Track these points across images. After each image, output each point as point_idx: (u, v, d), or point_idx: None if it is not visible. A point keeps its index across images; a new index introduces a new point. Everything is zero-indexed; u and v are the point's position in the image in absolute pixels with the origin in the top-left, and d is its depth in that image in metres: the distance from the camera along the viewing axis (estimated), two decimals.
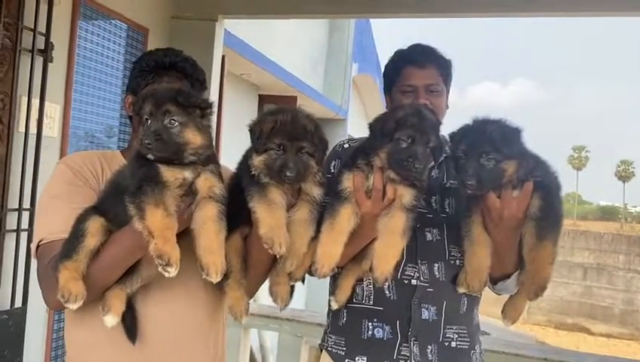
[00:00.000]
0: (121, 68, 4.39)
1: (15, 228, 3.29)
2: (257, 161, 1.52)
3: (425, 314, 1.82)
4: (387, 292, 1.83)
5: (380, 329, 1.84)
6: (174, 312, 1.67)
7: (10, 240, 3.29)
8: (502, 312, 1.84)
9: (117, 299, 1.51)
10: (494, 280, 1.82)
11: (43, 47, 3.48)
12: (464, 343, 1.85)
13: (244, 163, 1.60)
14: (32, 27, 3.39)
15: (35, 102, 3.44)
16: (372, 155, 1.61)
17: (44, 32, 3.48)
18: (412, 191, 1.60)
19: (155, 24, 4.79)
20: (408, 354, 1.80)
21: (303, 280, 1.89)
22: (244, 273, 1.71)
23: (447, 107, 2.02)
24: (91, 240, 1.43)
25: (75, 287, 1.38)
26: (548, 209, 1.61)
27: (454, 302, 1.84)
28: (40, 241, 1.57)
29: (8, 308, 3.32)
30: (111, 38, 4.32)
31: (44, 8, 3.47)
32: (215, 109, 1.53)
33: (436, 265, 1.83)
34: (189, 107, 1.43)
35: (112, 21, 4.33)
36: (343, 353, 1.89)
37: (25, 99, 3.39)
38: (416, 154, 1.54)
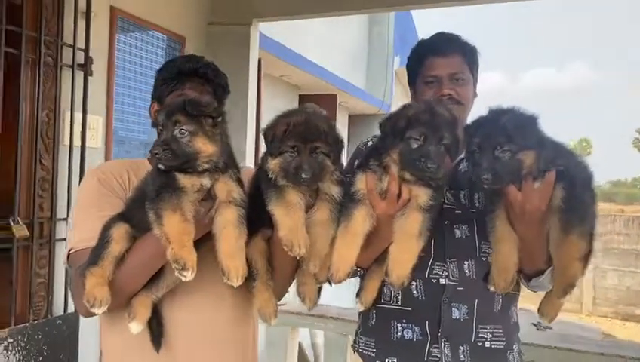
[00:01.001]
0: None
1: (64, 236, 3.43)
2: (273, 164, 1.51)
3: (455, 314, 1.76)
4: (415, 292, 1.78)
5: (410, 330, 1.79)
6: (202, 316, 1.69)
7: (60, 249, 3.43)
8: (538, 310, 1.76)
9: (142, 305, 1.54)
10: (528, 277, 1.73)
11: (83, 62, 3.61)
12: (499, 343, 1.78)
13: (262, 167, 1.59)
14: (72, 43, 3.52)
15: (78, 115, 3.58)
16: (384, 156, 1.55)
17: (82, 47, 3.61)
18: (428, 191, 1.53)
19: (192, 32, 4.89)
20: (439, 356, 1.74)
21: (330, 281, 1.88)
22: (270, 275, 1.71)
23: (476, 95, 1.95)
24: (116, 247, 1.47)
25: (100, 293, 1.42)
26: (573, 200, 1.51)
27: (487, 301, 1.77)
28: (70, 250, 1.62)
29: (62, 313, 3.48)
30: (149, 49, 4.44)
31: (81, 25, 3.61)
32: (227, 116, 1.53)
33: (466, 262, 1.76)
34: (199, 116, 1.44)
35: (150, 32, 4.44)
36: (374, 354, 1.85)
37: (68, 113, 3.53)
38: (428, 153, 1.47)
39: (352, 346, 1.99)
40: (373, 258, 1.71)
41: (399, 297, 1.81)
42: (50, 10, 3.40)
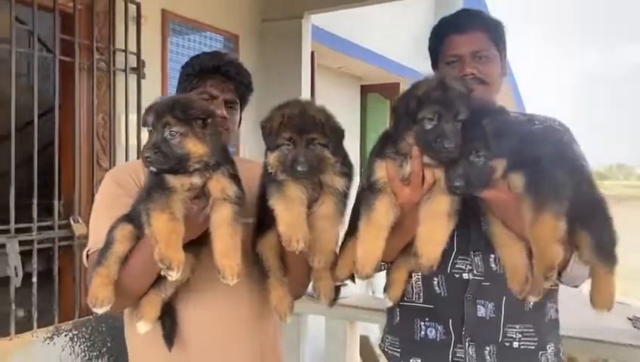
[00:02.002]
0: None
1: None
2: (271, 158, 1.47)
3: (481, 312, 1.64)
4: (437, 288, 1.68)
5: (433, 329, 1.68)
6: (216, 314, 1.68)
7: None
8: (590, 301, 1.61)
9: (150, 305, 1.55)
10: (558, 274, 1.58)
11: (135, 66, 3.75)
12: (530, 343, 1.63)
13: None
14: (123, 48, 3.67)
15: (132, 116, 3.72)
16: (400, 141, 1.46)
17: (134, 51, 3.75)
18: None
19: (245, 29, 4.95)
20: (464, 356, 1.63)
21: (353, 278, 1.81)
22: (283, 271, 1.68)
23: (504, 74, 1.80)
24: (119, 247, 1.49)
25: (103, 292, 1.44)
26: (540, 180, 1.38)
27: (515, 298, 1.63)
28: (88, 251, 1.67)
29: None
30: (202, 49, 4.50)
31: (133, 29, 3.74)
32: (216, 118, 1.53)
33: (492, 256, 1.63)
34: (189, 118, 1.42)
35: (202, 32, 4.54)
36: (398, 354, 1.76)
37: (123, 116, 3.69)
38: (444, 132, 1.37)
39: (379, 345, 1.92)
40: (398, 250, 1.62)
41: (421, 294, 1.71)
42: (101, 18, 3.56)
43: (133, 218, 1.54)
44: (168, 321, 1.61)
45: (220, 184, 1.44)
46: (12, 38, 3.05)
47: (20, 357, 3.04)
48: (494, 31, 1.77)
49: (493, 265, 1.63)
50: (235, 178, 1.48)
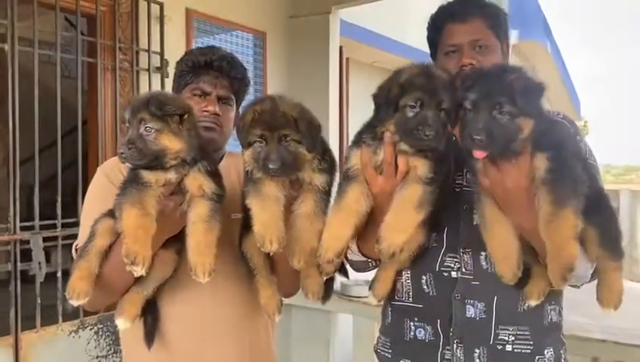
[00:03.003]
0: None
1: None
2: (246, 155, 1.44)
3: (470, 312, 1.55)
4: (425, 287, 1.60)
5: (422, 330, 1.61)
6: (201, 311, 1.67)
7: None
8: (597, 299, 1.51)
9: (130, 303, 1.55)
10: None
11: (159, 65, 3.81)
12: (525, 347, 1.53)
13: None
14: (147, 48, 3.73)
15: None
16: (379, 128, 1.41)
17: (158, 50, 3.80)
18: (426, 162, 1.37)
19: (272, 26, 4.95)
20: (451, 358, 1.55)
21: (346, 273, 1.76)
22: (270, 270, 1.65)
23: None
24: (99, 241, 1.49)
25: (80, 286, 1.44)
26: (562, 170, 1.28)
27: (509, 298, 1.53)
28: (76, 245, 1.69)
29: None
30: (228, 47, 4.55)
31: (156, 29, 3.80)
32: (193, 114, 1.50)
33: (483, 253, 1.54)
34: (165, 114, 1.41)
35: (229, 30, 4.57)
36: (389, 355, 1.70)
37: None
38: (425, 119, 1.31)
39: (373, 346, 1.86)
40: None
41: (410, 293, 1.65)
42: (125, 19, 3.63)
43: (114, 212, 1.55)
44: (150, 319, 1.61)
45: (196, 181, 1.43)
46: (57, 44, 3.18)
47: (45, 350, 3.15)
48: (495, 19, 1.68)
49: (483, 263, 1.55)
50: (213, 174, 1.46)
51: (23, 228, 3.06)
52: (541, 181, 1.30)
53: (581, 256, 1.41)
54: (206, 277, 1.40)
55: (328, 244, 1.39)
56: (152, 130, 1.39)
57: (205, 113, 1.72)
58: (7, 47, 2.98)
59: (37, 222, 3.11)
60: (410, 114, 1.34)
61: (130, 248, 1.32)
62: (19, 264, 3.02)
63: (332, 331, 4.23)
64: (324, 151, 1.50)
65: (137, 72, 3.69)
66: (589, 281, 1.55)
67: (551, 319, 1.61)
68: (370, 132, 1.43)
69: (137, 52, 3.69)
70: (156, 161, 1.40)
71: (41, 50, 3.18)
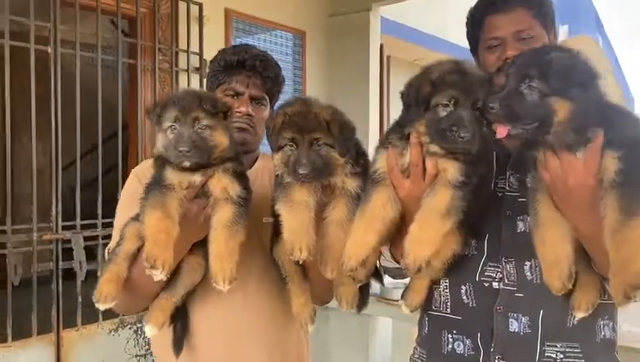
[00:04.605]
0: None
1: None
2: (276, 159, 1.39)
3: (513, 326, 1.44)
4: (465, 297, 1.51)
5: (461, 343, 1.51)
6: (231, 319, 1.63)
7: None
8: None
9: (159, 309, 1.52)
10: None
11: (198, 65, 3.82)
12: None
13: None
14: (186, 49, 3.74)
15: None
16: (407, 128, 1.32)
17: (197, 51, 3.81)
18: (456, 164, 1.27)
19: (312, 25, 4.90)
20: None
21: (381, 279, 1.69)
22: (302, 277, 1.59)
23: None
24: (127, 244, 1.47)
25: (107, 288, 1.42)
26: (635, 173, 1.14)
27: (556, 312, 1.41)
28: (108, 249, 1.68)
29: None
30: (267, 46, 4.52)
31: (195, 30, 3.81)
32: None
33: (528, 263, 1.42)
34: (217, 111, 1.40)
35: (268, 30, 4.54)
36: None
37: None
38: (461, 119, 1.22)
39: (409, 357, 1.78)
40: None
41: (448, 303, 1.55)
42: (165, 20, 3.65)
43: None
44: (179, 326, 1.58)
45: (221, 183, 1.38)
46: (98, 46, 3.24)
47: (86, 348, 3.20)
48: (539, 7, 1.57)
49: (528, 274, 1.44)
50: (240, 177, 1.42)
51: (64, 228, 3.12)
52: (610, 184, 1.16)
53: None
54: (226, 285, 1.35)
55: (351, 252, 1.31)
56: (206, 128, 1.37)
57: (238, 114, 1.68)
58: (50, 49, 3.04)
59: (78, 222, 3.16)
60: (443, 113, 1.25)
61: (149, 251, 1.29)
62: (60, 263, 3.07)
63: (371, 335, 4.15)
64: (358, 155, 1.43)
65: (177, 73, 3.70)
66: None
67: (604, 335, 1.48)
68: (398, 132, 1.35)
69: (177, 53, 3.70)
70: (207, 159, 1.38)
71: (83, 52, 3.23)
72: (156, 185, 1.36)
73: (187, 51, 3.75)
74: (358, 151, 1.43)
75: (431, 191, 1.29)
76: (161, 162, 1.40)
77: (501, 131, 1.22)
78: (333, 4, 5.02)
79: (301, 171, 1.31)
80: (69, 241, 3.10)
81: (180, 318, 1.58)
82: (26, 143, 2.96)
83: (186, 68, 3.75)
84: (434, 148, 1.29)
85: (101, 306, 1.42)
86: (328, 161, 1.34)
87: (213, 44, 3.97)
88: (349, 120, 1.40)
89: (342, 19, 4.97)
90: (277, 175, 1.42)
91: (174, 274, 1.53)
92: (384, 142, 1.37)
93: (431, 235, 1.27)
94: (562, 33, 11.39)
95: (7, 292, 2.90)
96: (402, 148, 1.32)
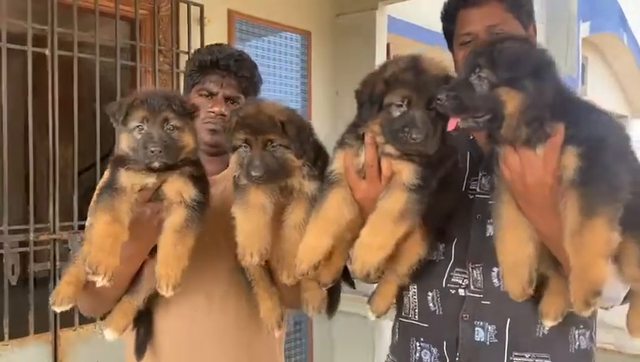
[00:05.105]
0: (283, 73, 4.55)
1: None
2: (231, 161, 1.37)
3: (480, 335, 1.39)
4: (431, 305, 1.46)
5: (427, 352, 1.47)
6: (194, 324, 1.61)
7: None
8: (627, 326, 1.33)
9: (120, 313, 1.51)
10: None
11: None
12: None
13: None
14: (187, 50, 3.74)
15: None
16: (362, 129, 1.28)
17: None
18: (412, 166, 1.23)
19: (318, 26, 4.86)
20: None
21: (352, 284, 1.65)
22: (269, 281, 1.57)
23: None
24: (87, 247, 1.45)
25: (64, 291, 1.40)
26: (596, 171, 1.07)
27: (525, 320, 1.36)
28: None
29: None
30: (271, 47, 4.51)
31: (196, 31, 3.81)
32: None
33: (495, 269, 1.37)
34: (184, 112, 1.38)
35: (273, 31, 4.52)
36: None
37: None
38: (413, 120, 1.18)
39: None
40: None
41: (417, 310, 1.51)
42: (165, 22, 3.67)
43: None
44: (142, 331, 1.56)
45: (175, 186, 1.36)
46: (96, 48, 3.28)
47: (83, 347, 3.23)
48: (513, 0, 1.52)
49: (495, 281, 1.39)
50: (196, 179, 1.39)
51: (62, 228, 3.15)
52: (569, 182, 1.11)
53: (614, 275, 1.22)
54: (169, 291, 1.32)
55: (303, 256, 1.27)
56: (175, 129, 1.36)
57: (211, 114, 1.66)
58: (47, 51, 3.08)
59: (76, 223, 3.19)
60: (396, 113, 1.21)
61: (93, 257, 1.26)
62: (58, 263, 3.10)
63: (376, 337, 4.11)
64: (318, 157, 1.40)
65: (177, 74, 3.71)
66: (622, 304, 1.36)
67: (579, 346, 1.42)
68: (354, 132, 1.31)
69: (177, 54, 3.71)
70: (175, 160, 1.37)
71: (81, 54, 3.26)
72: (108, 188, 1.33)
73: (188, 53, 3.74)
74: (317, 153, 1.40)
75: (385, 194, 1.24)
76: (116, 164, 1.38)
77: (450, 123, 1.18)
78: (338, 4, 4.98)
79: (253, 173, 1.28)
80: (66, 242, 3.13)
81: (143, 322, 1.57)
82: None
83: None
84: (389, 148, 1.25)
85: (57, 308, 1.40)
86: (283, 162, 1.32)
87: None
88: (306, 122, 1.37)
89: (347, 18, 4.92)
90: (234, 176, 1.40)
91: (136, 278, 1.52)
92: (341, 142, 1.33)
93: (382, 240, 1.22)
94: (585, 29, 11.15)
95: (4, 291, 2.94)
96: (358, 149, 1.29)
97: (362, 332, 4.10)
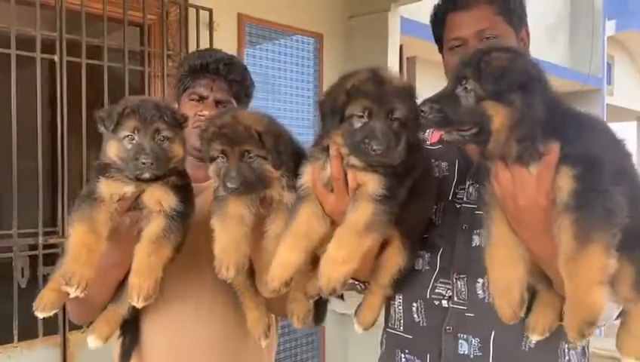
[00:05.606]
0: (294, 76, 4.54)
1: None
2: (210, 172, 1.35)
3: (463, 348, 1.35)
4: (416, 316, 1.43)
5: None
6: (181, 330, 1.60)
7: None
8: (616, 346, 1.27)
9: (105, 321, 1.51)
10: None
11: None
12: None
13: None
14: None
15: None
16: (325, 141, 1.26)
17: None
18: (376, 177, 1.21)
19: (330, 28, 4.84)
20: None
21: (341, 295, 1.62)
22: (255, 291, 1.55)
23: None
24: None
25: (48, 297, 1.38)
26: (592, 195, 1.02)
27: (510, 334, 1.31)
28: None
29: None
30: (282, 51, 4.50)
31: (205, 36, 3.82)
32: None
33: (480, 280, 1.34)
34: (175, 123, 1.38)
35: (284, 34, 4.51)
36: None
37: None
38: (373, 132, 1.16)
39: None
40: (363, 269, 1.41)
41: (402, 321, 1.48)
42: (174, 27, 3.69)
43: None
44: (128, 340, 1.56)
45: (154, 195, 1.34)
46: (104, 54, 3.32)
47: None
48: (503, 2, 1.48)
49: (479, 292, 1.35)
50: (177, 189, 1.37)
51: None
52: (563, 206, 1.05)
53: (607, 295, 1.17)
54: (140, 302, 1.31)
55: (274, 273, 1.24)
56: (166, 139, 1.36)
57: (201, 118, 1.66)
58: (56, 57, 3.12)
59: None
60: (357, 125, 1.19)
61: (67, 267, 1.25)
62: None
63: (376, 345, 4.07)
64: (298, 167, 1.37)
65: None
66: (615, 320, 1.31)
67: (568, 360, 1.37)
68: (319, 145, 1.29)
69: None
70: (166, 170, 1.36)
71: (89, 61, 3.30)
72: (87, 198, 1.32)
73: None
74: (298, 163, 1.38)
75: (352, 207, 1.21)
76: (98, 172, 1.37)
77: (433, 136, 1.14)
78: (350, 6, 4.95)
79: (229, 185, 1.27)
80: None
81: (129, 330, 1.57)
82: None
83: None
84: (353, 160, 1.22)
85: (40, 314, 1.40)
86: (261, 173, 1.30)
87: (226, 50, 3.99)
88: (285, 132, 1.35)
89: (359, 20, 4.89)
90: (215, 188, 1.39)
91: (121, 286, 1.52)
92: (309, 156, 1.31)
93: (347, 254, 1.18)
94: (610, 27, 10.87)
95: (14, 294, 2.99)
96: (324, 162, 1.26)
97: (375, 333, 4.06)
